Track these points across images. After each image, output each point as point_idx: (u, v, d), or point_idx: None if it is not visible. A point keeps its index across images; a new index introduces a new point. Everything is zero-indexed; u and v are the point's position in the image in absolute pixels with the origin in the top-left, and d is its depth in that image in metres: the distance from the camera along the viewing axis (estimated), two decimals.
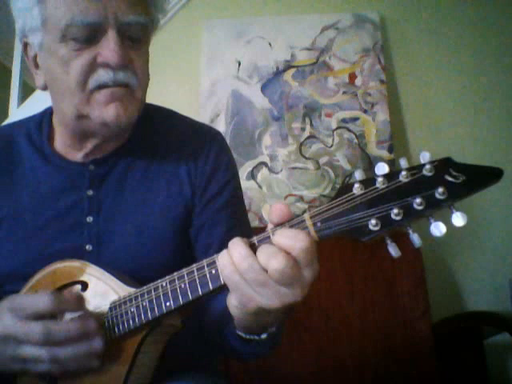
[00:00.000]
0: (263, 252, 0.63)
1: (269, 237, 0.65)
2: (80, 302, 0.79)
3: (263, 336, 0.75)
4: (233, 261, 0.64)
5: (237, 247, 0.64)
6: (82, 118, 0.86)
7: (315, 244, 0.63)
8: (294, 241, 0.61)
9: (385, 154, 1.85)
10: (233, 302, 0.67)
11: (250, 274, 0.62)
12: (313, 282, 0.64)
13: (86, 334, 0.74)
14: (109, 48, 0.81)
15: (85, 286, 0.82)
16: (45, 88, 0.90)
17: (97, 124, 0.85)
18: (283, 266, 0.60)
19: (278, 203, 0.66)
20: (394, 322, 1.57)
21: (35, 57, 0.89)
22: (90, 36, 0.81)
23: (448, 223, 0.57)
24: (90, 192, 0.93)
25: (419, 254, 1.61)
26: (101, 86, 0.83)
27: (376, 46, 1.96)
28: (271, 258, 0.61)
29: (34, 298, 0.76)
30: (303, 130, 1.90)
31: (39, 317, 0.74)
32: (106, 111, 0.83)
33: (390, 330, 1.56)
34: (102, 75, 0.82)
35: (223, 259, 0.65)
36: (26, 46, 0.90)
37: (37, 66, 0.90)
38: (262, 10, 2.04)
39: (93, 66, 0.82)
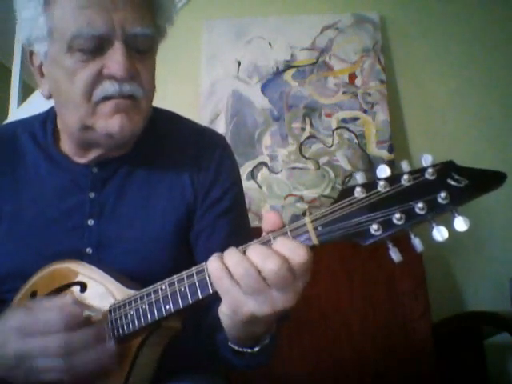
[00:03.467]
0: (256, 252, 0.62)
1: (269, 240, 0.64)
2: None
3: (256, 349, 0.75)
4: (224, 264, 0.63)
5: (230, 252, 0.64)
6: (86, 128, 0.85)
7: (312, 256, 0.62)
8: (293, 254, 0.61)
9: (385, 154, 1.85)
10: (224, 311, 0.67)
11: (244, 276, 0.62)
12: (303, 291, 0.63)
13: (98, 339, 0.74)
14: (115, 60, 0.80)
15: (84, 287, 0.82)
16: (50, 97, 0.89)
17: (101, 135, 0.84)
18: (278, 266, 0.60)
19: (270, 212, 0.65)
20: (394, 321, 1.57)
21: (41, 66, 0.88)
22: (97, 47, 0.80)
23: (450, 227, 0.56)
24: (92, 194, 0.92)
25: (419, 253, 1.60)
26: (106, 98, 0.82)
27: (376, 46, 1.95)
28: (266, 259, 0.61)
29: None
30: (303, 129, 1.90)
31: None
32: (110, 122, 0.82)
33: (390, 330, 1.56)
34: (108, 87, 0.81)
35: (212, 265, 0.65)
36: (31, 54, 0.89)
37: (42, 74, 0.89)
38: (262, 10, 2.04)
39: (98, 78, 0.81)
